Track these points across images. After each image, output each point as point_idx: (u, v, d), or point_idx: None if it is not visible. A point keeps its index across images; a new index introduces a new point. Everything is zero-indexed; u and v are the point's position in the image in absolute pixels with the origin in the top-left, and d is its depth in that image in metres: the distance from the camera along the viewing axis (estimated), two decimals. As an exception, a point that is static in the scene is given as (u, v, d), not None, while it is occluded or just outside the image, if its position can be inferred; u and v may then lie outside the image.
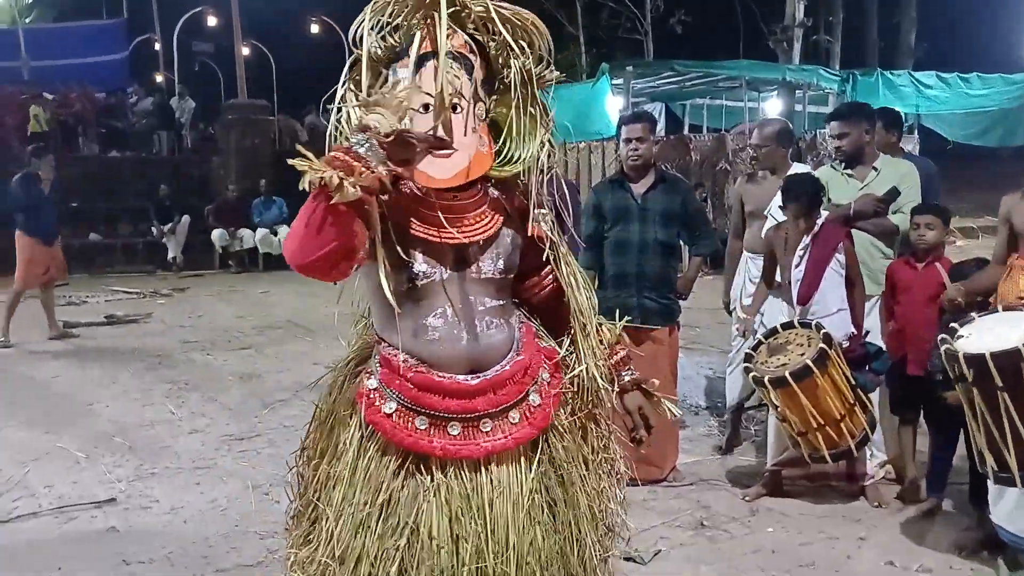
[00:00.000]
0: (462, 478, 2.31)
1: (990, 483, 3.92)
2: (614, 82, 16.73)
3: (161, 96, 22.04)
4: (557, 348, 2.50)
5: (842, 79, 17.87)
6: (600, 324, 2.59)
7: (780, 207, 4.93)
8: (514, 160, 2.37)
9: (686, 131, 20.72)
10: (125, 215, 17.54)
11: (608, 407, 2.62)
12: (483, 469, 2.33)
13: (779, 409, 4.42)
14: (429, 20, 2.25)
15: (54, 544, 4.40)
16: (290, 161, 1.93)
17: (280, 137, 19.56)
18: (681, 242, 5.41)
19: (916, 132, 18.82)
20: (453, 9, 2.24)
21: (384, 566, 2.25)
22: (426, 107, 2.23)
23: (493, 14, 2.25)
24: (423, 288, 2.28)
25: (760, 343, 4.63)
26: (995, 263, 4.36)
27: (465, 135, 2.27)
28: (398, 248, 2.21)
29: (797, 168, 5.63)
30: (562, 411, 2.48)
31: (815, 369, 4.23)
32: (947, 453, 4.67)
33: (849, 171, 5.14)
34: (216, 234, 16.88)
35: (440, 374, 2.30)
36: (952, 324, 3.80)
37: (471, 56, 2.29)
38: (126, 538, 4.49)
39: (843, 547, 4.30)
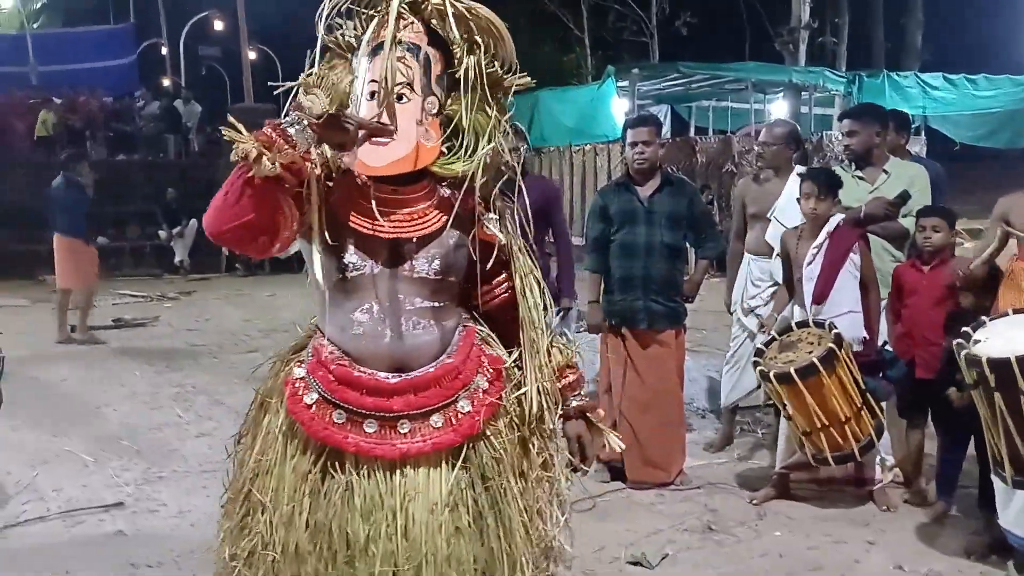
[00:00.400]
0: (375, 478, 2.25)
1: (997, 487, 3.91)
2: (620, 84, 16.76)
3: (168, 100, 22.10)
4: (505, 357, 2.41)
5: (848, 81, 17.87)
6: (552, 344, 2.48)
7: (800, 197, 4.91)
8: (461, 160, 2.28)
9: (692, 133, 20.72)
10: (133, 219, 17.56)
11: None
12: (398, 471, 2.26)
13: (786, 407, 4.41)
14: (384, 8, 2.23)
15: (62, 547, 4.41)
16: (222, 130, 1.98)
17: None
18: (688, 244, 5.40)
19: (923, 134, 18.80)
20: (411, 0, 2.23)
21: (307, 560, 2.24)
22: (373, 95, 2.20)
23: (448, 7, 2.21)
24: (353, 281, 2.26)
25: (772, 339, 4.63)
26: (987, 261, 4.36)
27: (408, 126, 2.21)
28: (327, 236, 2.21)
29: (799, 170, 5.63)
30: (500, 422, 2.37)
31: (821, 368, 4.23)
32: (956, 456, 4.66)
33: (859, 174, 5.14)
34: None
35: (361, 369, 2.27)
36: (965, 328, 3.78)
37: (428, 48, 2.25)
38: (134, 541, 4.49)
39: (851, 551, 4.29)
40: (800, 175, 5.05)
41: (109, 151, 19.32)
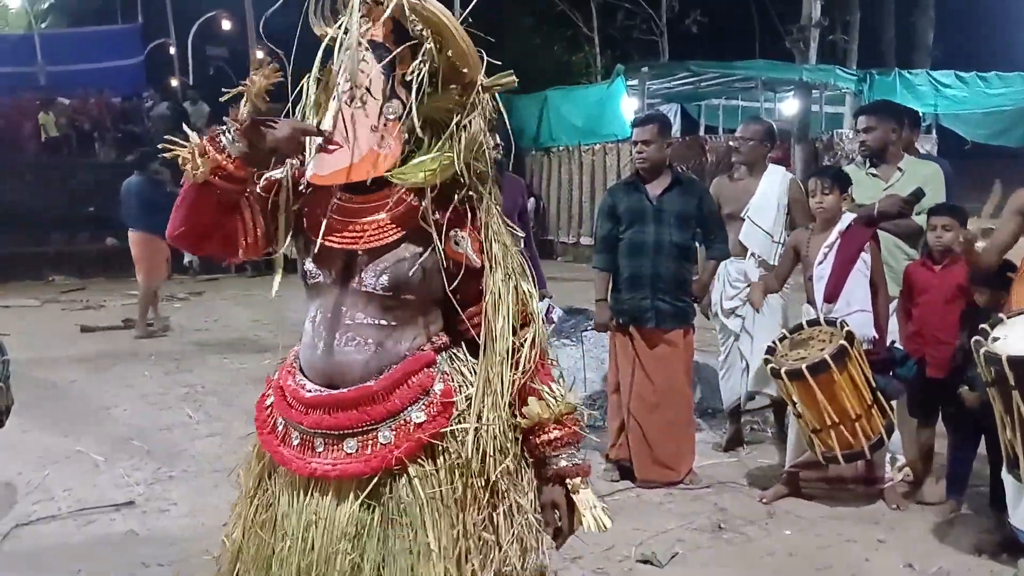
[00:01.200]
0: (289, 492, 2.21)
1: (1008, 486, 3.90)
2: (629, 83, 16.73)
3: (176, 101, 22.12)
4: (455, 392, 2.18)
5: (859, 79, 17.80)
6: (536, 390, 2.22)
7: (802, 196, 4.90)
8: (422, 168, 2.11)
9: (702, 132, 20.67)
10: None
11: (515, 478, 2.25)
12: (309, 490, 2.18)
13: (796, 404, 4.40)
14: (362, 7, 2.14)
15: (73, 547, 4.42)
16: (165, 142, 2.10)
17: (296, 141, 19.59)
18: (697, 244, 5.38)
19: (934, 132, 18.73)
20: None
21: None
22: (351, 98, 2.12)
23: (404, 2, 2.07)
24: (312, 288, 2.23)
25: (784, 337, 4.62)
26: (997, 250, 4.31)
27: (361, 133, 2.09)
28: (291, 242, 2.24)
29: (773, 169, 5.62)
30: (435, 462, 2.14)
31: (832, 365, 4.22)
32: (967, 455, 4.65)
33: (873, 171, 5.13)
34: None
35: (298, 379, 2.23)
36: (983, 326, 3.77)
37: (394, 48, 2.10)
38: (144, 541, 4.50)
39: (861, 550, 4.29)
40: (813, 175, 5.04)
41: (117, 152, 19.36)
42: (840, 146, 16.40)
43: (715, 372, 6.54)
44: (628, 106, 16.67)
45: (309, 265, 2.20)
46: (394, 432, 2.13)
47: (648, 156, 5.14)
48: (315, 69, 2.26)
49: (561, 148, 18.49)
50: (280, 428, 2.24)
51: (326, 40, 2.20)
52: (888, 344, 4.68)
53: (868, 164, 5.20)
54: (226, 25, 28.52)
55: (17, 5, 25.09)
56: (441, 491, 2.12)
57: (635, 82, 16.83)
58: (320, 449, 2.16)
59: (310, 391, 2.18)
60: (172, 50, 26.14)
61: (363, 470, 2.12)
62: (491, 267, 2.19)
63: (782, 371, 4.35)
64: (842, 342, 4.27)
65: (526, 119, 18.75)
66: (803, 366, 4.27)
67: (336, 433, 2.14)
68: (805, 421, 4.44)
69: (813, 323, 4.62)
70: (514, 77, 2.21)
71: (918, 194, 4.87)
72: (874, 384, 4.39)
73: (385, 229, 2.14)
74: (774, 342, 4.65)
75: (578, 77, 25.84)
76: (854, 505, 4.84)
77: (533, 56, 26.27)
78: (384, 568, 2.12)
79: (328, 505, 2.15)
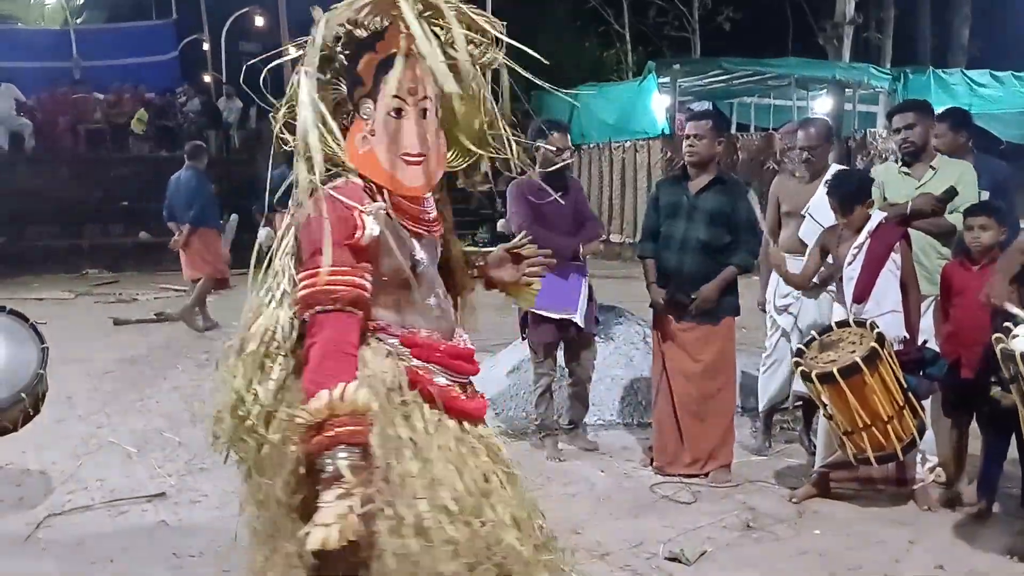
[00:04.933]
0: (478, 436, 2.45)
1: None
2: (661, 80, 16.69)
3: (209, 96, 22.27)
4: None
5: (893, 77, 17.69)
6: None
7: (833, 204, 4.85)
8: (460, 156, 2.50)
9: (733, 130, 20.56)
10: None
11: None
12: (480, 427, 2.49)
13: (827, 407, 4.38)
14: (394, 19, 2.27)
15: (106, 537, 4.47)
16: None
17: (327, 136, 19.67)
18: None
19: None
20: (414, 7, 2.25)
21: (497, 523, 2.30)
22: (399, 112, 2.31)
23: (445, 9, 2.25)
24: (420, 275, 2.43)
25: (813, 339, 4.59)
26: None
27: (436, 139, 2.38)
28: (398, 245, 2.33)
29: (834, 168, 5.57)
30: None
31: (864, 367, 4.18)
32: (998, 457, 4.60)
33: (906, 170, 5.09)
34: (263, 233, 16.89)
35: (450, 342, 2.50)
36: (1006, 324, 3.74)
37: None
38: (176, 532, 4.55)
39: (892, 551, 4.25)
40: (827, 182, 4.99)
41: (151, 147, 19.54)
42: (873, 145, 16.28)
43: (744, 370, 6.52)
44: (659, 103, 16.64)
45: (419, 254, 2.43)
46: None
47: (698, 151, 5.14)
48: (308, 63, 2.29)
49: (592, 145, 18.46)
50: (457, 392, 2.44)
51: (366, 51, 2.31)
52: (920, 344, 4.64)
53: (901, 163, 5.16)
54: (259, 21, 28.66)
55: (53, 1, 25.36)
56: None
57: (667, 79, 16.79)
58: (469, 392, 2.51)
59: (468, 345, 2.57)
60: (205, 46, 26.29)
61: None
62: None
63: (812, 374, 4.32)
64: (873, 344, 4.24)
65: (557, 116, 18.72)
66: (834, 369, 4.23)
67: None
68: (836, 423, 4.40)
69: (842, 324, 4.58)
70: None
71: (951, 192, 4.83)
72: (905, 385, 4.35)
73: (437, 215, 2.51)
74: (804, 345, 4.63)
75: (609, 74, 25.79)
76: (885, 506, 4.80)
77: (564, 52, 26.27)
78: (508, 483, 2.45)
79: (485, 433, 2.49)
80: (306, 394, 2.15)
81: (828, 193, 4.83)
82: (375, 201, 2.29)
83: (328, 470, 2.08)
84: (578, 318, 5.53)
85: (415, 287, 2.39)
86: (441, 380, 2.40)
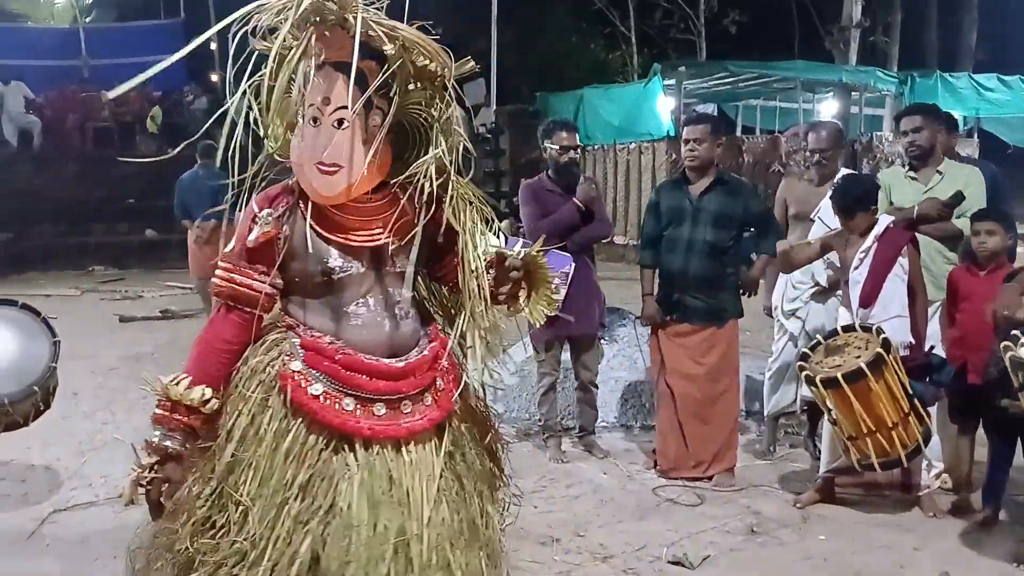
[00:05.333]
0: (385, 458, 2.43)
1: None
2: (666, 83, 16.65)
3: (216, 95, 22.25)
4: (448, 335, 2.59)
5: (900, 81, 17.64)
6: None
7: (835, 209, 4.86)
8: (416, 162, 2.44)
9: (739, 132, 20.55)
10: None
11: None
12: (403, 449, 2.46)
13: (831, 412, 4.37)
14: (316, 29, 2.30)
15: (109, 532, 4.46)
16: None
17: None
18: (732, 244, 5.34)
19: (976, 136, 18.52)
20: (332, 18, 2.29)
21: (296, 546, 2.32)
22: (315, 120, 2.35)
23: (370, 25, 2.26)
24: (341, 280, 2.46)
25: (818, 343, 4.58)
26: None
27: (355, 149, 2.35)
28: (303, 251, 2.43)
29: (843, 172, 5.57)
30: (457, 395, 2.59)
31: (868, 373, 4.17)
32: (1004, 463, 4.59)
33: (913, 174, 5.08)
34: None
35: (368, 357, 2.45)
36: (1015, 332, 3.73)
37: (360, 63, 2.26)
38: (179, 530, 4.54)
39: (897, 557, 4.25)
40: (833, 185, 5.00)
41: (157, 145, 19.54)
42: (879, 149, 16.25)
43: (747, 373, 6.51)
44: (665, 105, 16.61)
45: (337, 261, 2.44)
46: (442, 378, 2.56)
47: (699, 154, 5.16)
48: (247, 81, 2.37)
49: (596, 147, 18.44)
50: (351, 407, 2.41)
51: (291, 57, 2.32)
52: (927, 349, 4.63)
53: (908, 167, 5.16)
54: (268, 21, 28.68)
55: (62, 0, 25.41)
56: (464, 415, 2.66)
57: (672, 81, 16.75)
58: (408, 410, 2.47)
59: (396, 362, 2.48)
60: (213, 45, 26.32)
61: (441, 414, 2.53)
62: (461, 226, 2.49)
63: (817, 379, 4.31)
64: (878, 350, 4.22)
65: (562, 117, 18.72)
66: (839, 374, 4.22)
67: (418, 392, 2.50)
68: (840, 428, 4.40)
69: (848, 329, 4.57)
70: (472, 63, 2.42)
71: (958, 197, 4.82)
72: (911, 391, 4.33)
73: (402, 218, 2.47)
74: (809, 349, 4.62)
75: (615, 76, 25.76)
76: (889, 511, 4.79)
77: (570, 54, 26.22)
78: (458, 489, 2.54)
79: (421, 455, 2.47)
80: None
81: (831, 197, 4.83)
82: (299, 205, 2.42)
83: (150, 438, 2.45)
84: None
85: (324, 292, 2.46)
86: (317, 389, 2.40)
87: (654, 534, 4.48)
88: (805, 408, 5.68)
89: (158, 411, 2.45)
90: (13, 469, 5.39)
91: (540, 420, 5.90)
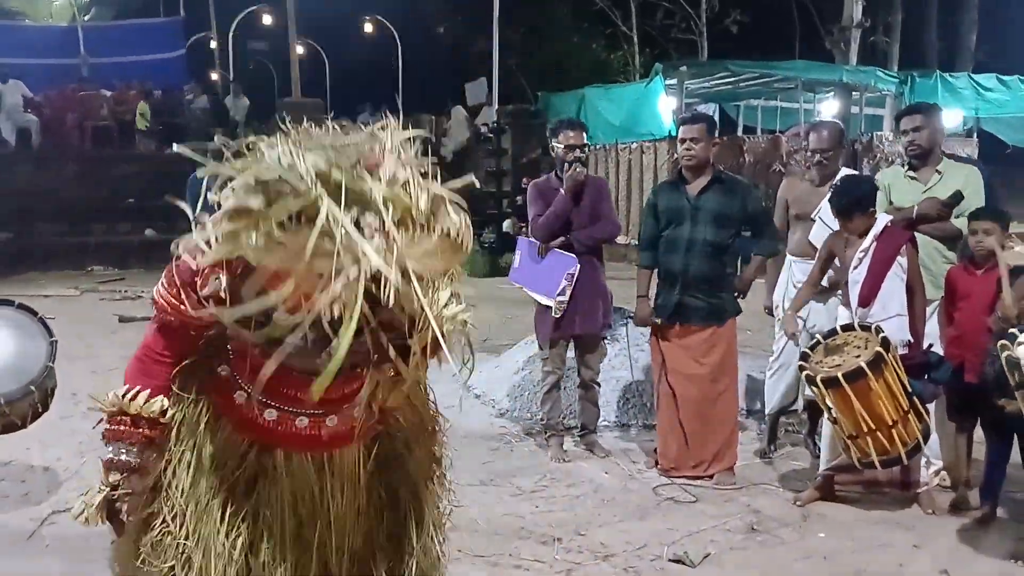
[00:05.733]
0: (305, 468, 2.42)
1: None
2: (668, 82, 16.66)
3: (216, 94, 22.30)
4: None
5: (900, 81, 17.65)
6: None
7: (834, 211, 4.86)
8: None
9: (740, 132, 20.55)
10: (180, 212, 17.70)
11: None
12: (325, 461, 2.44)
13: (831, 411, 4.37)
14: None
15: (108, 533, 4.46)
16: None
17: (332, 136, 19.67)
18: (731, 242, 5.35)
19: (975, 136, 18.53)
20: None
21: (230, 550, 2.33)
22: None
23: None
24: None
25: (818, 343, 4.58)
26: None
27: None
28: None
29: (844, 172, 5.57)
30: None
31: (869, 372, 4.18)
32: (1001, 461, 4.60)
33: (912, 174, 5.09)
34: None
35: (299, 372, 2.24)
36: (1012, 330, 3.74)
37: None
38: (179, 529, 4.54)
39: (896, 554, 4.26)
40: (833, 186, 5.00)
41: (157, 145, 19.55)
42: (880, 148, 16.26)
43: (747, 372, 6.52)
44: (666, 105, 16.62)
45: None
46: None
47: (695, 154, 5.17)
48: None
49: (598, 146, 18.45)
50: (272, 418, 2.38)
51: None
52: (925, 347, 4.64)
53: (908, 167, 5.16)
54: (267, 20, 28.76)
55: (61, -1, 25.44)
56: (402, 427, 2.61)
57: (673, 81, 16.76)
58: (333, 423, 2.41)
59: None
60: (213, 44, 26.37)
61: (371, 427, 2.47)
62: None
63: (817, 378, 4.32)
64: (878, 349, 4.23)
65: (565, 116, 18.75)
66: (839, 374, 4.22)
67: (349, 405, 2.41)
68: (841, 427, 4.40)
69: (847, 328, 4.58)
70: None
71: (957, 197, 4.83)
72: (910, 389, 4.34)
73: None
74: (808, 349, 4.62)
75: (616, 75, 25.79)
76: (889, 509, 4.80)
77: (572, 54, 26.27)
78: (383, 499, 2.55)
79: (344, 467, 2.46)
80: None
81: (830, 199, 4.83)
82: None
83: (107, 456, 2.39)
84: (548, 301, 5.54)
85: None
86: (240, 397, 2.38)
87: (655, 533, 4.48)
88: (805, 407, 5.69)
89: (112, 427, 2.40)
90: (13, 470, 5.39)
91: (542, 419, 5.91)
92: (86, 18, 25.25)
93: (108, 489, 2.39)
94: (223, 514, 2.35)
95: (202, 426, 2.41)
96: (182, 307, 2.25)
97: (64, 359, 4.31)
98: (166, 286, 2.30)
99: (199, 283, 2.19)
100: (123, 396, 2.40)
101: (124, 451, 2.39)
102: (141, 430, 2.38)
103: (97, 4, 27.17)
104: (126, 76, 20.50)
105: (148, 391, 2.38)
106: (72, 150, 18.27)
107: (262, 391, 2.32)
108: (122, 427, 2.39)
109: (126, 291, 13.42)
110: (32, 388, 4.03)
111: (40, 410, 4.20)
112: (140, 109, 19.10)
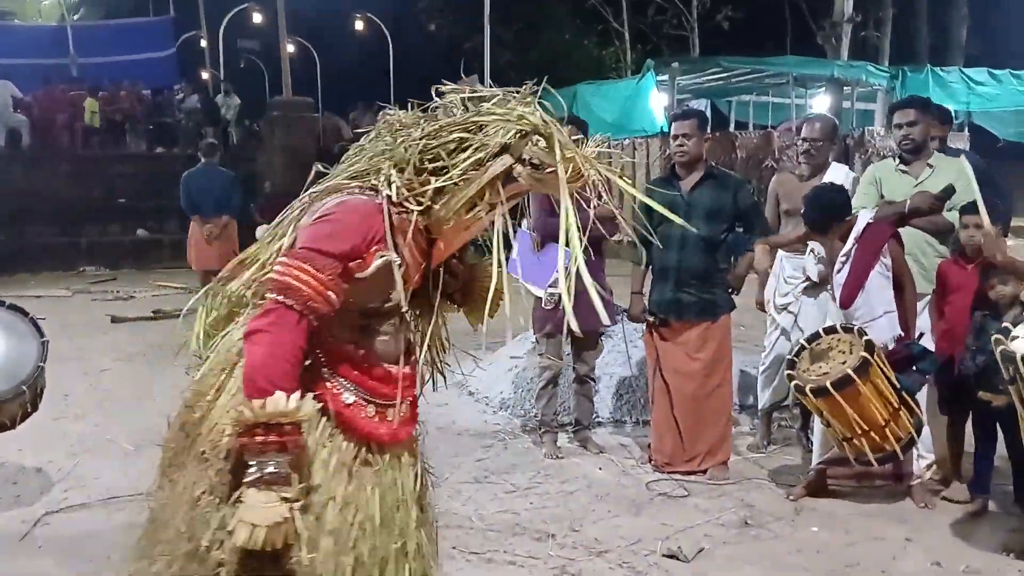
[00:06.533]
0: (392, 463, 2.45)
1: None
2: (659, 78, 16.69)
3: (207, 93, 22.24)
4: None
5: (891, 75, 17.71)
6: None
7: None
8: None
9: (732, 128, 20.57)
10: (172, 212, 17.70)
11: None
12: (400, 454, 2.49)
13: (823, 415, 4.38)
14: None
15: (103, 533, 4.46)
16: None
17: (324, 134, 19.67)
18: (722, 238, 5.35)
19: (966, 130, 18.57)
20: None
21: (345, 553, 2.29)
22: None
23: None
24: (388, 308, 2.41)
25: (803, 348, 4.58)
26: None
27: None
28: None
29: (836, 167, 5.57)
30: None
31: (856, 378, 4.16)
32: (988, 454, 4.62)
33: (904, 167, 5.08)
34: (260, 230, 16.90)
35: (388, 365, 2.43)
36: (1005, 324, 3.74)
37: None
38: (173, 529, 4.53)
39: (889, 547, 4.26)
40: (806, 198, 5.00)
41: (148, 144, 19.51)
42: (871, 143, 16.29)
43: (741, 367, 6.52)
44: (658, 101, 16.64)
45: (396, 297, 2.35)
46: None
47: (687, 149, 5.19)
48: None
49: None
50: (372, 414, 2.40)
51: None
52: (916, 338, 4.64)
53: (899, 160, 5.16)
54: (257, 18, 28.67)
55: (50, -2, 25.36)
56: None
57: (665, 77, 16.79)
58: (404, 416, 2.45)
59: (403, 369, 2.46)
60: (203, 43, 26.28)
61: (415, 423, 2.57)
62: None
63: (807, 388, 4.32)
64: (863, 353, 4.22)
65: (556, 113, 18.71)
66: (827, 383, 4.21)
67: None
68: (835, 430, 4.41)
69: (830, 330, 4.56)
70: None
71: (949, 190, 4.83)
72: (898, 385, 4.34)
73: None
74: (794, 355, 4.61)
75: (608, 72, 25.78)
76: (882, 502, 4.81)
77: (564, 50, 26.24)
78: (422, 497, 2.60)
79: (407, 459, 2.52)
80: (249, 385, 2.15)
81: (802, 214, 4.81)
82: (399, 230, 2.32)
83: (254, 471, 2.11)
84: (539, 292, 5.54)
85: (364, 313, 2.40)
86: (348, 398, 2.36)
87: (649, 528, 4.48)
88: (798, 402, 5.69)
89: (253, 440, 2.12)
90: (5, 471, 5.38)
91: (536, 415, 5.91)
92: (75, 18, 25.19)
93: (287, 504, 2.12)
94: (336, 522, 2.30)
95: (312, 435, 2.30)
96: (330, 293, 2.21)
97: (56, 360, 4.29)
98: (316, 270, 2.19)
99: (358, 264, 2.26)
100: (282, 402, 2.12)
101: (273, 464, 2.12)
102: (284, 438, 2.13)
103: (86, 3, 27.13)
104: (116, 76, 20.46)
105: (297, 394, 2.15)
106: (63, 150, 18.23)
107: (367, 389, 2.38)
108: (265, 438, 2.12)
109: (118, 291, 13.41)
110: (23, 388, 4.01)
111: (30, 410, 4.18)
112: (88, 105, 18.96)
